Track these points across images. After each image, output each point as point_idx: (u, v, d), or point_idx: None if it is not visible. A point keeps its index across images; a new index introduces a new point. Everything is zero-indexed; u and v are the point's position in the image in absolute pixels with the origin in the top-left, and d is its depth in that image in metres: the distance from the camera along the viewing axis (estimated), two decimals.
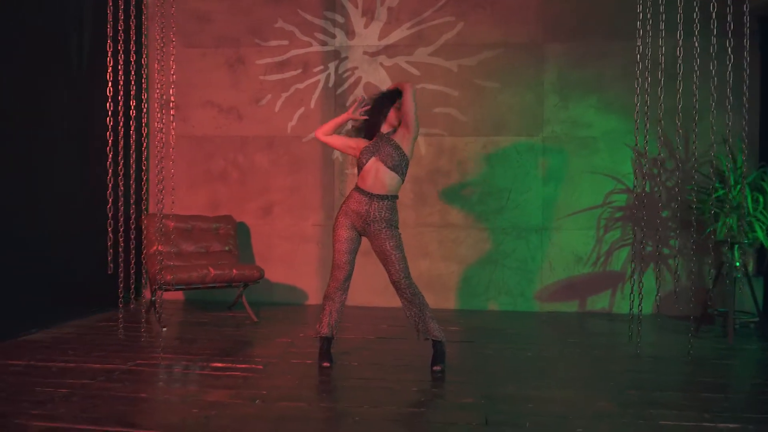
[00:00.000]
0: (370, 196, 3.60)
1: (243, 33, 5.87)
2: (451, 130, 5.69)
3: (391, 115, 3.68)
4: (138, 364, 3.56)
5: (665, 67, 5.54)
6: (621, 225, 5.61)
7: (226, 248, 5.32)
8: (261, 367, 3.58)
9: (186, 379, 3.33)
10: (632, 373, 3.64)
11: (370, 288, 5.75)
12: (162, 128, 4.20)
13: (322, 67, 5.80)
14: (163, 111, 4.60)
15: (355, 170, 5.76)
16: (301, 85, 5.81)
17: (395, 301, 5.68)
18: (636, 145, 4.57)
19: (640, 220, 5.58)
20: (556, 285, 5.66)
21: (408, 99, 3.57)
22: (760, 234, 4.80)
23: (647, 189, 5.56)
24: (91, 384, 3.14)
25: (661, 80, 5.10)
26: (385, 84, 5.72)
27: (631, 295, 4.30)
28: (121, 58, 4.06)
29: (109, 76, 4.12)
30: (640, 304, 4.27)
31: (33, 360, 3.57)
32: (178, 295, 5.83)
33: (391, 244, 3.61)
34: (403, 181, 3.68)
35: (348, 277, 3.64)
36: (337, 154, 5.79)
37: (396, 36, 5.73)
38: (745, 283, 4.96)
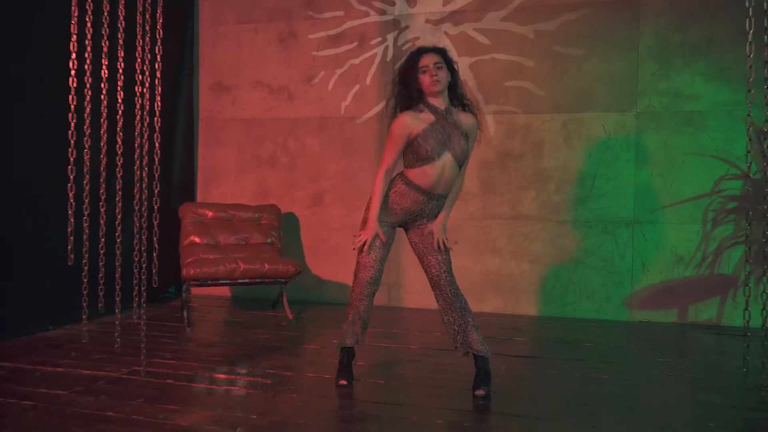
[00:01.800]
0: (430, 196, 2.92)
1: (296, 5, 5.37)
2: (525, 106, 4.89)
3: (435, 74, 2.79)
4: (133, 372, 3.13)
5: None
6: (734, 218, 4.58)
7: (268, 240, 4.85)
8: (269, 381, 3.04)
9: (174, 394, 2.85)
10: (748, 412, 2.75)
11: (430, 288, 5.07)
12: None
13: (379, 39, 5.18)
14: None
15: None
16: (356, 60, 5.23)
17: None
18: (749, 116, 3.59)
19: (759, 213, 4.53)
20: (650, 290, 4.72)
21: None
22: None
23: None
24: (62, 396, 2.73)
25: None
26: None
27: (747, 309, 3.34)
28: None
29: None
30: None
31: (25, 362, 3.23)
32: (224, 291, 5.45)
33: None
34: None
35: (377, 280, 2.99)
36: None
37: (462, 0, 5.00)
38: None
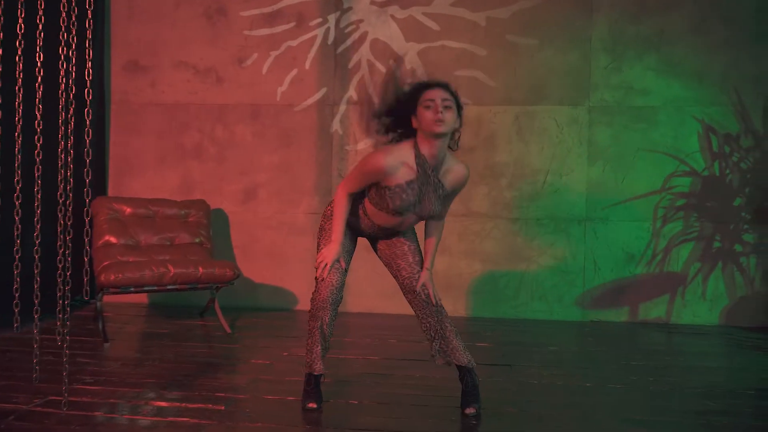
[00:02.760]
0: (392, 231, 2.68)
1: None
2: (476, 97, 4.63)
3: (443, 114, 2.40)
4: (49, 403, 2.54)
5: (743, 22, 4.48)
6: (683, 216, 4.56)
7: (197, 240, 4.30)
8: (222, 407, 2.57)
9: (110, 426, 2.31)
10: (724, 411, 2.60)
11: (379, 291, 4.72)
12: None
13: (320, 20, 4.74)
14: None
15: (358, 145, 4.75)
16: (293, 42, 4.76)
17: (407, 308, 4.66)
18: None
19: (708, 210, 4.53)
20: (601, 289, 4.61)
21: None
22: None
23: (716, 171, 4.53)
24: None
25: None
26: (395, 41, 4.67)
27: None
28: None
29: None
30: None
31: None
32: (141, 297, 4.81)
33: (407, 236, 2.62)
34: None
35: (339, 291, 2.59)
36: (336, 126, 4.75)
37: None
38: None
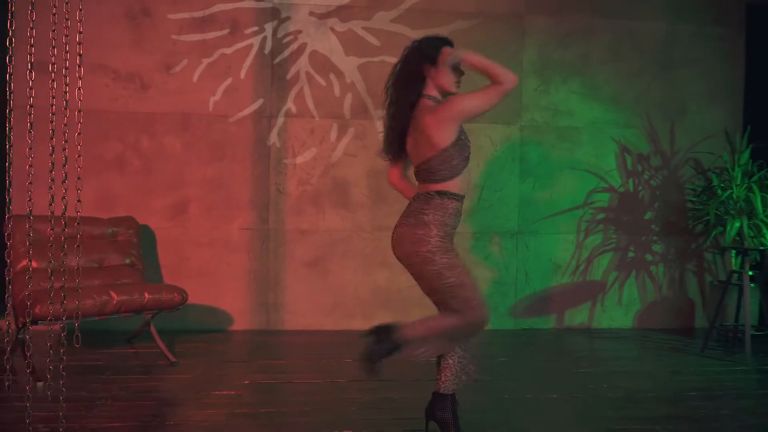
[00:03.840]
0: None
1: None
2: None
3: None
4: None
5: (654, 53, 4.91)
6: (603, 228, 4.92)
7: (127, 261, 3.97)
8: None
9: None
10: (699, 420, 2.85)
11: (317, 307, 4.63)
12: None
13: (256, 28, 4.56)
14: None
15: (297, 159, 4.63)
16: (228, 50, 4.54)
17: (345, 324, 4.63)
18: None
19: (623, 223, 4.93)
20: (532, 298, 4.85)
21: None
22: None
23: (630, 188, 4.92)
24: None
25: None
26: (335, 54, 4.61)
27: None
28: None
29: None
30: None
31: None
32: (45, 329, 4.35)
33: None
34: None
35: None
36: (273, 138, 4.59)
37: None
38: (755, 294, 4.42)
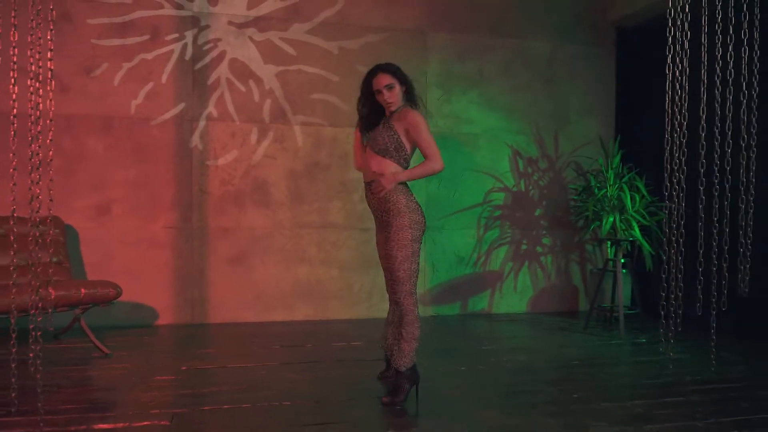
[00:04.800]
0: (366, 184, 3.10)
1: None
2: (331, 119, 5.06)
3: (387, 95, 3.01)
4: None
5: (540, 69, 5.57)
6: (500, 224, 5.51)
7: (55, 259, 4.06)
8: (167, 422, 2.65)
9: None
10: (582, 381, 3.42)
11: (240, 301, 4.88)
12: None
13: (176, 35, 4.75)
14: None
15: (219, 161, 4.86)
16: (148, 55, 4.70)
17: (267, 315, 4.91)
18: None
19: (517, 219, 5.54)
20: (439, 287, 5.36)
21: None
22: (637, 232, 4.99)
23: (522, 187, 5.54)
24: None
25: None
26: (254, 62, 4.89)
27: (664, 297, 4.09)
28: None
29: None
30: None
31: None
32: None
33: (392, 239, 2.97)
34: (400, 163, 3.02)
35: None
36: (195, 141, 4.80)
37: (268, 6, 4.92)
38: (627, 279, 5.14)
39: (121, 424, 2.61)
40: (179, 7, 4.75)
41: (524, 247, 5.56)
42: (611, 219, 5.02)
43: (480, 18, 5.36)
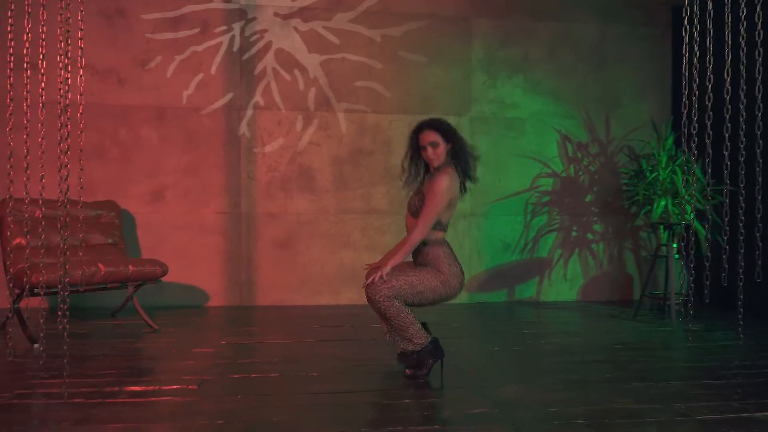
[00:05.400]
0: None
1: None
2: (374, 106, 5.12)
3: (430, 152, 2.99)
4: (18, 396, 2.58)
5: (588, 52, 5.43)
6: (548, 210, 5.40)
7: (110, 240, 4.30)
8: (195, 386, 2.77)
9: (98, 414, 2.43)
10: (619, 363, 3.33)
11: (286, 284, 5.01)
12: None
13: (224, 27, 4.94)
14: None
15: (266, 148, 5.01)
16: (199, 48, 4.91)
17: (314, 299, 5.02)
18: None
19: (566, 205, 5.42)
20: (485, 274, 5.31)
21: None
22: (691, 216, 4.77)
23: (572, 173, 5.42)
24: None
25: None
26: (299, 52, 5.01)
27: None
28: None
29: None
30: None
31: None
32: (32, 302, 4.65)
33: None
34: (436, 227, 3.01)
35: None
36: (243, 129, 4.97)
37: None
38: (677, 264, 4.94)
39: (152, 387, 2.75)
40: (227, 0, 4.93)
41: (574, 233, 5.43)
42: (663, 203, 4.83)
43: (522, 2, 5.28)
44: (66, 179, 2.83)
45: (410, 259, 3.06)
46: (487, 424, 2.37)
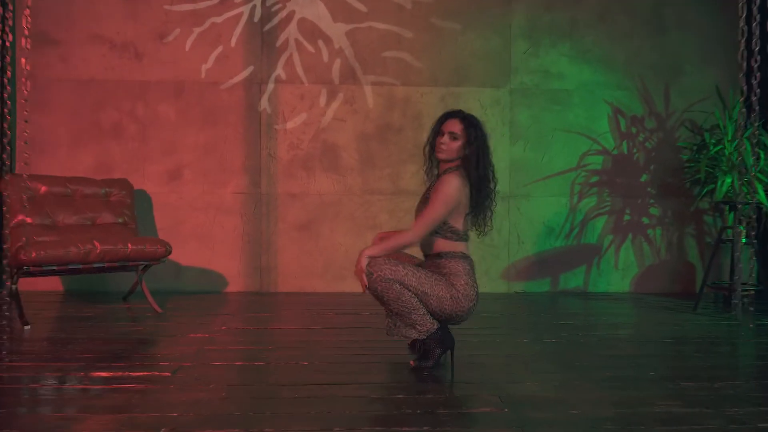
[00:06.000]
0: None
1: None
2: (404, 78, 4.73)
3: (446, 141, 2.66)
4: None
5: (645, 15, 4.85)
6: (597, 191, 4.87)
7: (120, 220, 4.11)
8: (168, 374, 2.48)
9: (51, 398, 2.18)
10: (668, 359, 2.83)
11: (308, 271, 4.71)
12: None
13: None
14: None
15: (288, 124, 4.72)
16: (218, 19, 4.66)
17: (337, 286, 4.69)
18: None
19: (618, 186, 4.87)
20: (525, 261, 4.84)
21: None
22: (762, 195, 4.16)
23: (625, 150, 4.87)
24: None
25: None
26: (323, 21, 4.69)
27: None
28: None
29: None
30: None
31: None
32: (55, 284, 4.54)
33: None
34: (448, 237, 2.66)
35: None
36: (264, 104, 4.69)
37: None
38: (745, 250, 4.32)
39: (120, 373, 2.48)
40: None
41: (627, 217, 4.88)
42: (728, 180, 4.23)
43: None
44: None
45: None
46: (488, 427, 1.97)
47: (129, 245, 3.55)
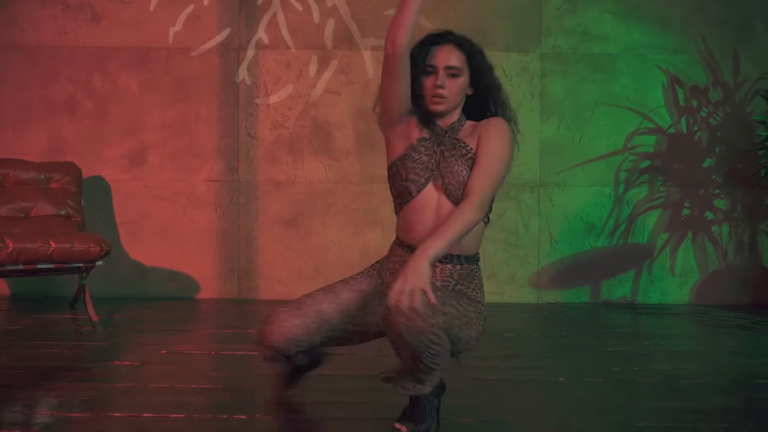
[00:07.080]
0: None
1: None
2: (411, 41, 3.91)
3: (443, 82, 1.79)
4: None
5: None
6: (648, 179, 4.01)
7: (62, 212, 3.39)
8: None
9: None
10: (756, 409, 1.98)
11: (294, 273, 3.95)
12: None
13: None
14: None
15: (271, 98, 3.95)
16: None
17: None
18: None
19: (675, 173, 3.99)
20: (559, 265, 4.00)
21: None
22: None
23: (684, 128, 4.00)
24: None
25: None
26: None
27: None
28: None
29: None
30: None
31: None
32: (2, 287, 3.88)
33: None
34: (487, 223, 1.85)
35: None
36: (243, 74, 3.95)
37: None
38: None
39: None
40: None
41: (686, 211, 4.01)
42: None
43: None
44: None
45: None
46: None
47: (52, 243, 2.81)
